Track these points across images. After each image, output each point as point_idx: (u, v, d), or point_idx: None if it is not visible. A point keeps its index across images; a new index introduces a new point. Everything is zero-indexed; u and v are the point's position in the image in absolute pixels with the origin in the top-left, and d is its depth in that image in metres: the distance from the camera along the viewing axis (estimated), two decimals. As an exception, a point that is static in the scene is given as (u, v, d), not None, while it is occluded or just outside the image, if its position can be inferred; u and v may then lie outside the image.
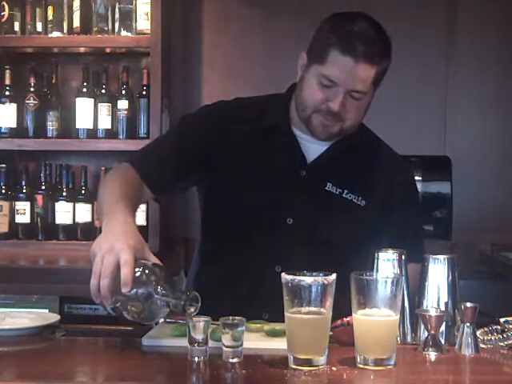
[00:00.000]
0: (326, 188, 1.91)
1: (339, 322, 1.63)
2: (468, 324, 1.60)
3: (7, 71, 3.21)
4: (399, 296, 1.50)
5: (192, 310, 1.52)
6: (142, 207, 3.11)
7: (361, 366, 1.48)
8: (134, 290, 1.51)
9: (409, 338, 1.70)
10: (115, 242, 1.52)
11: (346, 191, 1.92)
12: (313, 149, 1.92)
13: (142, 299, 1.53)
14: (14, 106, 3.22)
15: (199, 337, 1.52)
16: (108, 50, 3.28)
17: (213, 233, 2.00)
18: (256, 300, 1.88)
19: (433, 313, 1.61)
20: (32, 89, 3.23)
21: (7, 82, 3.22)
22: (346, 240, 1.92)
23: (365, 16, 1.86)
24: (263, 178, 1.91)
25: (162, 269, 1.55)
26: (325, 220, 1.92)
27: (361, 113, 1.88)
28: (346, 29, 1.80)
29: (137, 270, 1.52)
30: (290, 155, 1.93)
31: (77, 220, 3.19)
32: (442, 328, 1.63)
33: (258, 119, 1.95)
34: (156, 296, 1.52)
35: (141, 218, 3.09)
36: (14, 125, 3.22)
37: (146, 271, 1.54)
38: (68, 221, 3.19)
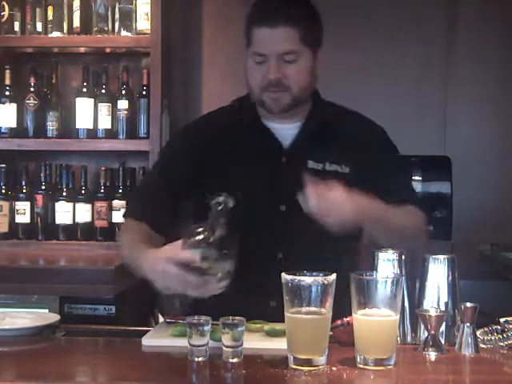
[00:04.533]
0: (308, 166, 1.94)
1: (339, 322, 1.63)
2: (468, 324, 1.61)
3: (7, 71, 3.21)
4: (399, 296, 1.50)
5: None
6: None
7: (361, 366, 1.49)
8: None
9: (409, 338, 1.71)
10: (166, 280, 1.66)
11: (327, 164, 1.96)
12: (286, 134, 1.98)
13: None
14: (14, 106, 3.22)
15: (199, 337, 1.52)
16: (108, 50, 3.27)
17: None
18: (262, 289, 1.88)
19: (433, 313, 1.61)
20: (32, 89, 3.23)
21: (7, 82, 3.22)
22: None
23: None
24: (249, 174, 1.94)
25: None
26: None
27: (304, 76, 1.91)
28: (258, 6, 1.93)
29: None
30: (268, 146, 1.98)
31: (77, 220, 3.19)
32: (442, 328, 1.63)
33: (231, 124, 2.02)
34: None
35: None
36: (14, 125, 3.22)
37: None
38: (68, 221, 3.19)
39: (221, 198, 1.65)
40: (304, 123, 1.99)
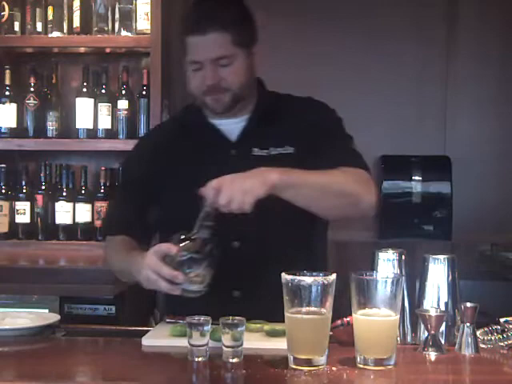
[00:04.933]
0: (254, 154, 1.98)
1: (339, 321, 1.63)
2: (468, 324, 1.61)
3: (7, 71, 3.21)
4: (399, 296, 1.50)
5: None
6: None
7: (361, 365, 1.49)
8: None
9: (409, 338, 1.71)
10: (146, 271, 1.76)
11: (271, 148, 1.99)
12: (235, 129, 2.02)
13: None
14: (14, 106, 3.22)
15: (199, 337, 1.52)
16: (108, 50, 3.27)
17: (168, 229, 2.01)
18: (222, 279, 1.87)
19: (433, 313, 1.61)
20: (32, 89, 3.22)
21: (7, 82, 3.21)
22: None
23: None
24: (202, 173, 1.94)
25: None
26: None
27: (241, 76, 1.95)
28: (189, 15, 1.99)
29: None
30: (217, 143, 2.03)
31: (77, 220, 3.19)
32: (442, 328, 1.63)
33: (181, 130, 2.08)
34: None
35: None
36: (14, 125, 3.22)
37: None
38: (68, 221, 3.19)
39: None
40: (250, 116, 2.03)
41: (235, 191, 1.69)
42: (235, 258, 1.91)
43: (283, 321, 1.51)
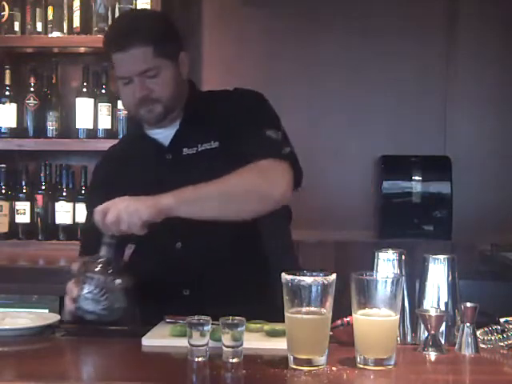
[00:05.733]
0: (184, 154, 2.03)
1: (339, 321, 1.63)
2: (468, 324, 1.61)
3: (7, 71, 3.21)
4: (399, 296, 1.50)
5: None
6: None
7: (361, 365, 1.49)
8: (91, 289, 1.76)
9: (409, 338, 1.71)
10: None
11: (199, 145, 2.03)
12: (167, 135, 2.06)
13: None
14: (14, 106, 3.22)
15: (199, 337, 1.52)
16: (108, 50, 3.27)
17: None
18: (171, 279, 1.96)
19: (433, 313, 1.61)
20: (32, 89, 3.23)
21: (7, 82, 3.22)
22: None
23: (128, 10, 2.10)
24: (145, 180, 2.04)
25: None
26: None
27: (169, 86, 1.99)
28: (109, 33, 2.05)
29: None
30: (155, 151, 2.08)
31: (77, 220, 3.19)
32: (442, 328, 1.63)
33: (127, 147, 2.19)
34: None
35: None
36: (14, 125, 3.23)
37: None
38: (68, 221, 3.19)
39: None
40: (181, 120, 2.06)
41: (121, 212, 1.75)
42: (180, 258, 1.98)
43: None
